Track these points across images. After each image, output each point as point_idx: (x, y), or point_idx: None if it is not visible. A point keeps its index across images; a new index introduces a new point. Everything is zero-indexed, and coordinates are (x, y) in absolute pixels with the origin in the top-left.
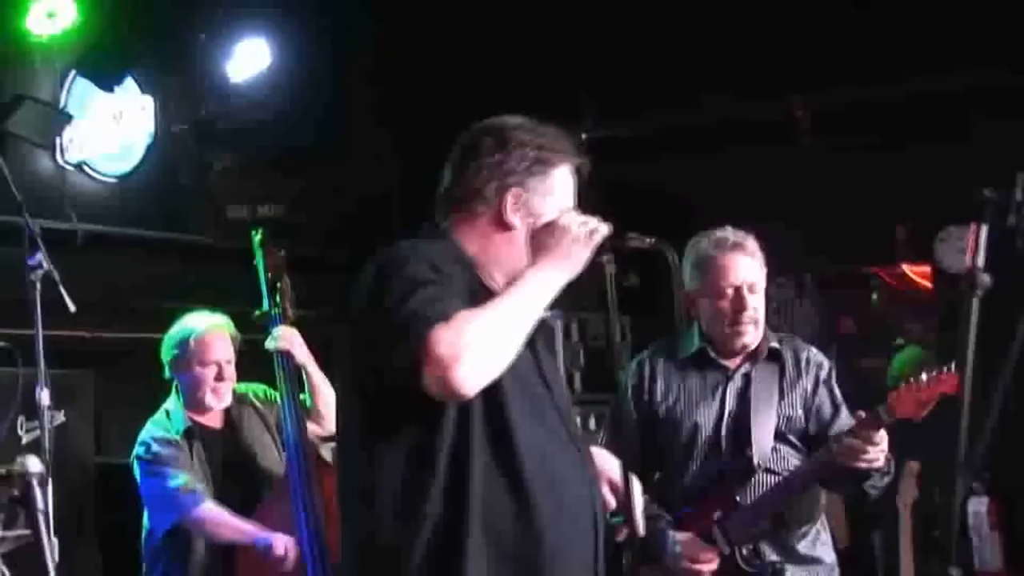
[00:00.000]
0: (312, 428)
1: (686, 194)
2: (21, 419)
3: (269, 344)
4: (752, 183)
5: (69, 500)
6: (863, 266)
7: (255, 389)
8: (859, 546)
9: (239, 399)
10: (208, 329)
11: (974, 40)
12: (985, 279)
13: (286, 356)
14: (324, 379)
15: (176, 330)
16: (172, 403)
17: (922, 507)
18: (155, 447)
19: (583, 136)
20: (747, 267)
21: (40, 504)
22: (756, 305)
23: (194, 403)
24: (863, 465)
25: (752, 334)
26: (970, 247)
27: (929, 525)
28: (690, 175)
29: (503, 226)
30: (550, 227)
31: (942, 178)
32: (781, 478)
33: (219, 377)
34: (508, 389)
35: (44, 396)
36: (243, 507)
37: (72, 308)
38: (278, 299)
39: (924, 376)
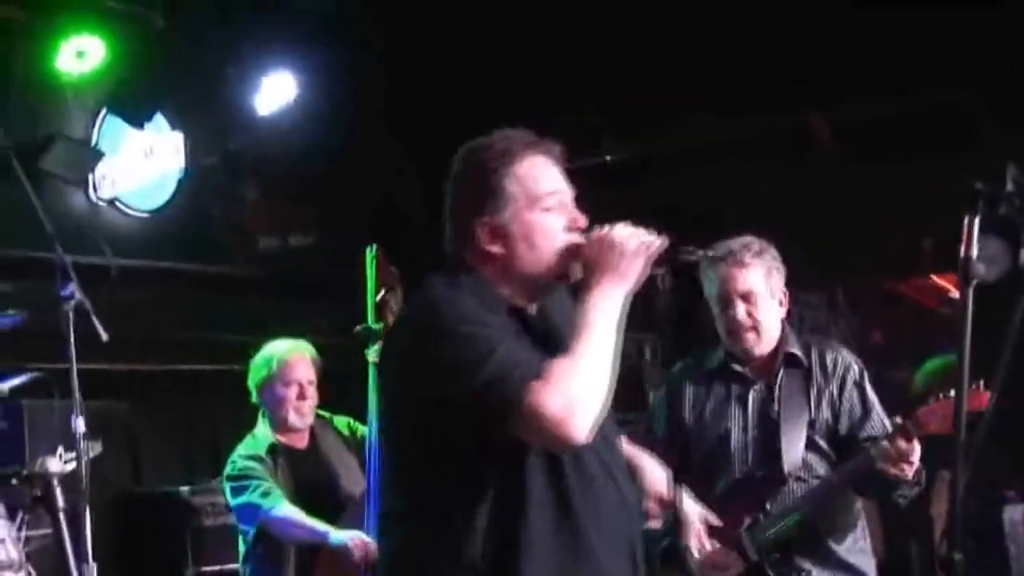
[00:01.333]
0: None
1: (711, 211)
2: (60, 450)
3: (371, 356)
4: (777, 198)
5: (109, 529)
6: (891, 279)
7: (339, 420)
8: (895, 557)
9: (323, 422)
10: (289, 351)
11: (992, 52)
12: (979, 269)
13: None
14: None
15: (260, 355)
16: (260, 426)
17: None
18: (240, 463)
19: (606, 159)
20: (738, 277)
21: (61, 504)
22: (754, 313)
23: (278, 423)
24: (895, 472)
25: (753, 341)
26: (963, 239)
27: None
28: (712, 192)
29: (504, 255)
30: (605, 240)
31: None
32: (810, 486)
33: (301, 396)
34: None
35: (79, 424)
36: (324, 522)
37: (104, 337)
38: (382, 316)
39: (953, 392)
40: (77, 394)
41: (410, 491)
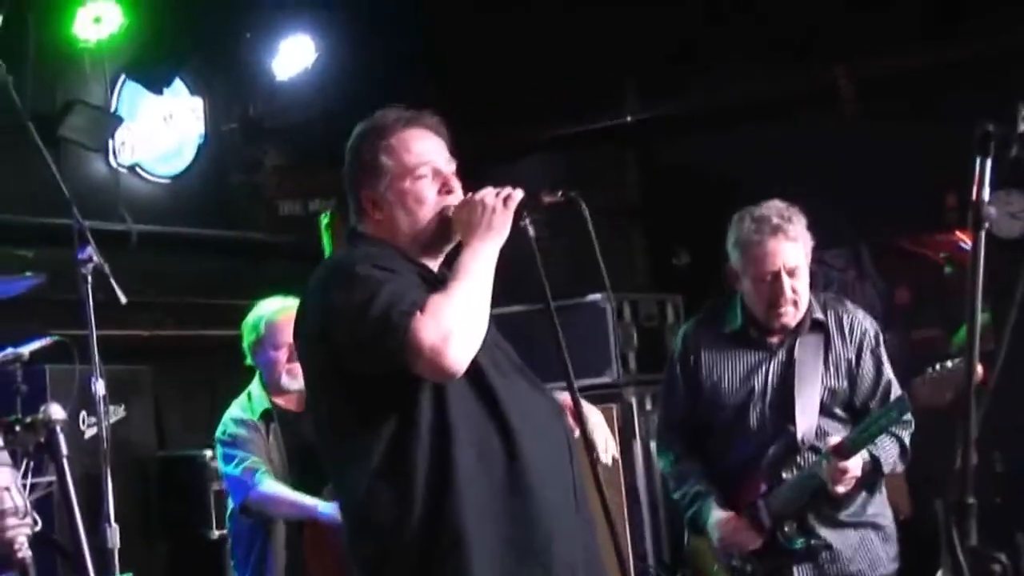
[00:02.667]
0: None
1: (732, 170)
2: (83, 415)
3: None
4: (799, 156)
5: (133, 492)
6: (916, 235)
7: None
8: (921, 515)
9: None
10: (279, 312)
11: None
12: (991, 212)
13: None
14: None
15: (251, 316)
16: (254, 386)
17: (982, 473)
18: (231, 428)
19: (628, 119)
20: (787, 252)
21: (64, 451)
22: (797, 287)
23: (272, 386)
24: (839, 490)
25: (791, 315)
26: (975, 181)
27: (989, 492)
28: (735, 151)
29: (386, 220)
30: (468, 204)
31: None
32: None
33: (291, 359)
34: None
35: (99, 387)
36: (319, 486)
37: (123, 299)
38: None
39: (950, 364)
40: (96, 357)
41: (343, 443)
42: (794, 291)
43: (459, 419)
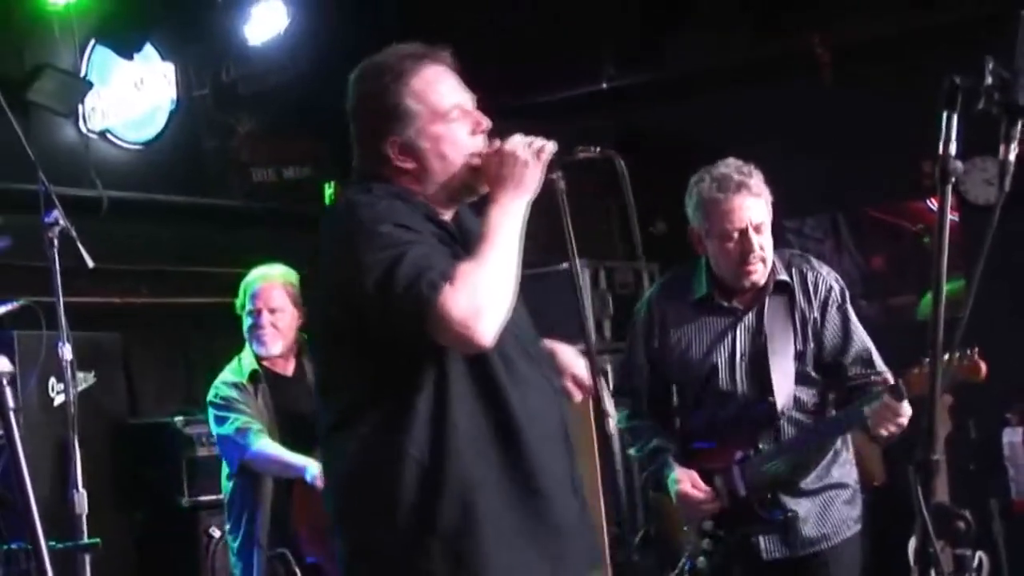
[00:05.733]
0: None
1: (709, 138)
2: (52, 381)
3: None
4: (776, 124)
5: (103, 459)
6: (893, 203)
7: None
8: (895, 481)
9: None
10: (256, 279)
11: None
12: (957, 166)
13: None
14: None
15: (242, 283)
16: (245, 349)
17: (956, 440)
18: (223, 391)
19: (604, 85)
20: (752, 207)
21: (11, 403)
22: (763, 243)
23: (256, 350)
24: (891, 432)
25: (760, 272)
26: (942, 135)
27: (964, 458)
28: (712, 118)
29: (417, 169)
30: (498, 155)
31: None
32: (805, 432)
33: (256, 325)
34: None
35: (67, 352)
36: (308, 450)
37: (91, 263)
38: None
39: (946, 357)
40: (64, 322)
41: (344, 401)
42: (761, 247)
43: (459, 400)
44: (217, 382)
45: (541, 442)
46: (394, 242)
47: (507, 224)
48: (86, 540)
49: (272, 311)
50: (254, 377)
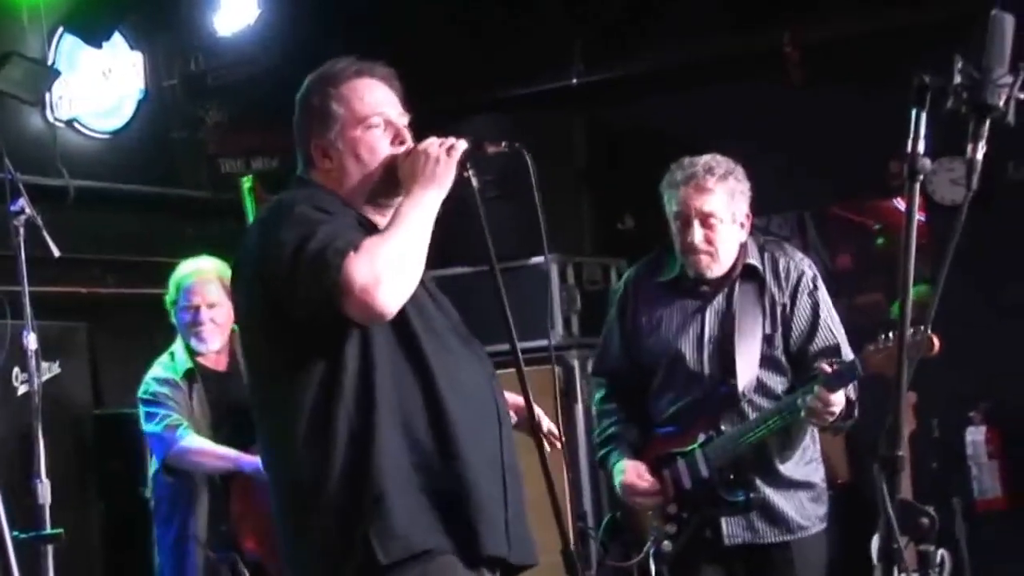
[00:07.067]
0: None
1: (679, 135)
2: (16, 371)
3: None
4: (745, 121)
5: (68, 450)
6: (858, 202)
7: None
8: (859, 479)
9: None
10: (191, 274)
11: None
12: (925, 164)
13: None
14: None
15: (172, 277)
16: (177, 345)
17: (920, 438)
18: (153, 387)
19: (574, 81)
20: (699, 199)
21: None
22: (712, 238)
23: (191, 346)
24: (817, 422)
25: (707, 264)
26: (911, 133)
27: (927, 456)
28: (681, 115)
29: (335, 170)
30: (411, 154)
31: (932, 108)
32: (763, 409)
33: (196, 321)
34: (406, 305)
35: (31, 340)
36: (242, 445)
37: (56, 253)
38: None
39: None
40: (28, 311)
41: (270, 400)
42: (708, 241)
43: (384, 380)
44: (148, 378)
45: (468, 414)
46: (309, 220)
47: (416, 212)
48: (49, 530)
49: (211, 306)
50: (189, 375)
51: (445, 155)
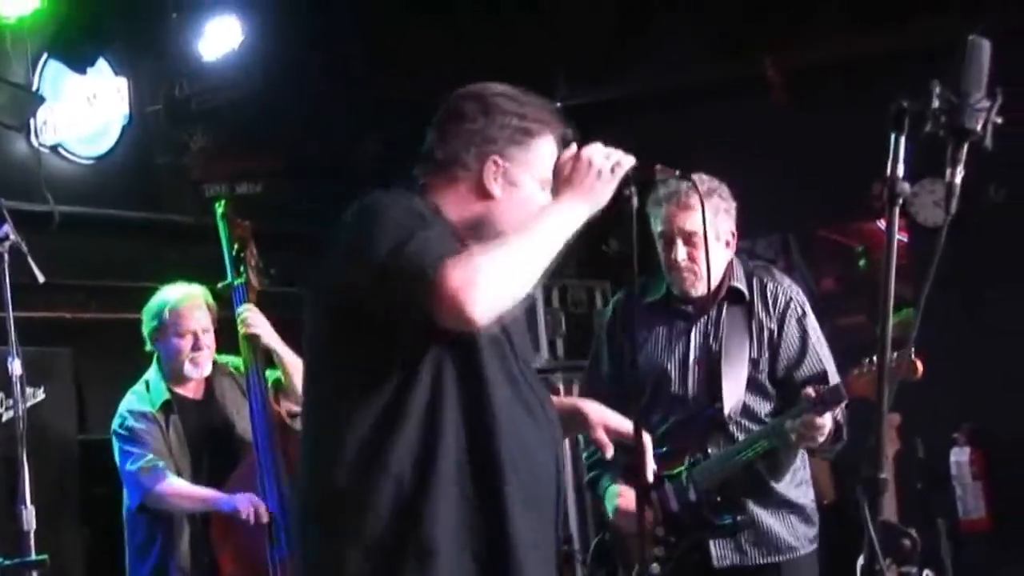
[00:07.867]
0: (288, 406)
1: (662, 158)
2: (1, 396)
3: (240, 327)
4: (728, 145)
5: (52, 475)
6: (841, 224)
7: (235, 363)
8: (844, 499)
9: (219, 369)
10: (183, 299)
11: None
12: (905, 187)
13: (253, 339)
14: (294, 357)
15: (153, 302)
16: (152, 374)
17: (904, 459)
18: (129, 421)
19: (558, 104)
20: (680, 216)
21: None
22: (696, 255)
23: (173, 374)
24: (806, 445)
25: (691, 282)
26: (890, 157)
27: (911, 476)
28: (664, 139)
29: (482, 194)
30: (574, 159)
31: (912, 131)
32: (749, 432)
33: (196, 347)
34: (484, 351)
35: (16, 367)
36: (221, 474)
37: (41, 278)
38: (242, 270)
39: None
40: (14, 337)
41: (334, 434)
42: (691, 258)
43: (451, 416)
44: (123, 410)
45: (527, 478)
46: (406, 223)
47: (556, 220)
48: (34, 556)
49: (204, 331)
50: (166, 407)
51: (609, 171)
